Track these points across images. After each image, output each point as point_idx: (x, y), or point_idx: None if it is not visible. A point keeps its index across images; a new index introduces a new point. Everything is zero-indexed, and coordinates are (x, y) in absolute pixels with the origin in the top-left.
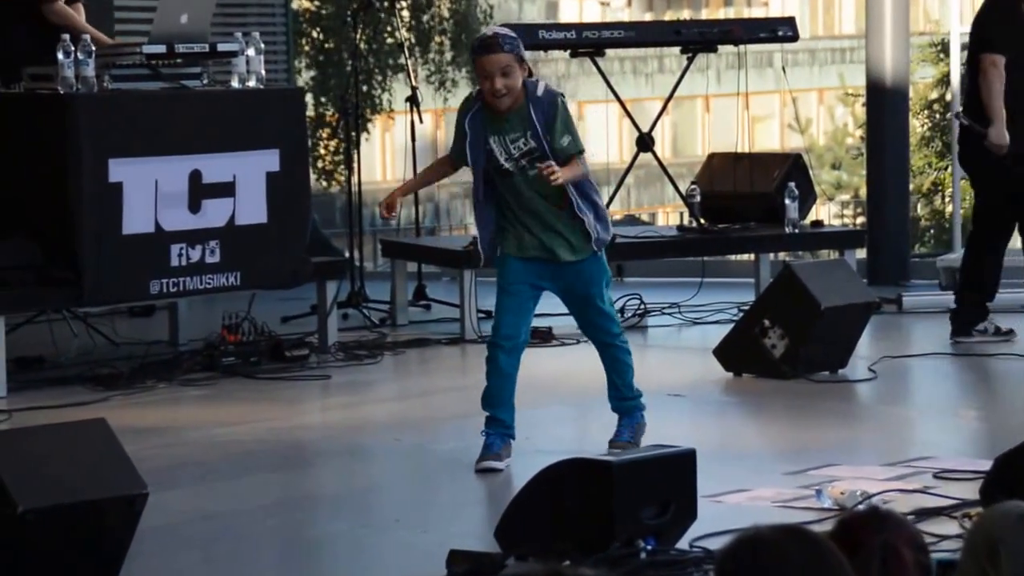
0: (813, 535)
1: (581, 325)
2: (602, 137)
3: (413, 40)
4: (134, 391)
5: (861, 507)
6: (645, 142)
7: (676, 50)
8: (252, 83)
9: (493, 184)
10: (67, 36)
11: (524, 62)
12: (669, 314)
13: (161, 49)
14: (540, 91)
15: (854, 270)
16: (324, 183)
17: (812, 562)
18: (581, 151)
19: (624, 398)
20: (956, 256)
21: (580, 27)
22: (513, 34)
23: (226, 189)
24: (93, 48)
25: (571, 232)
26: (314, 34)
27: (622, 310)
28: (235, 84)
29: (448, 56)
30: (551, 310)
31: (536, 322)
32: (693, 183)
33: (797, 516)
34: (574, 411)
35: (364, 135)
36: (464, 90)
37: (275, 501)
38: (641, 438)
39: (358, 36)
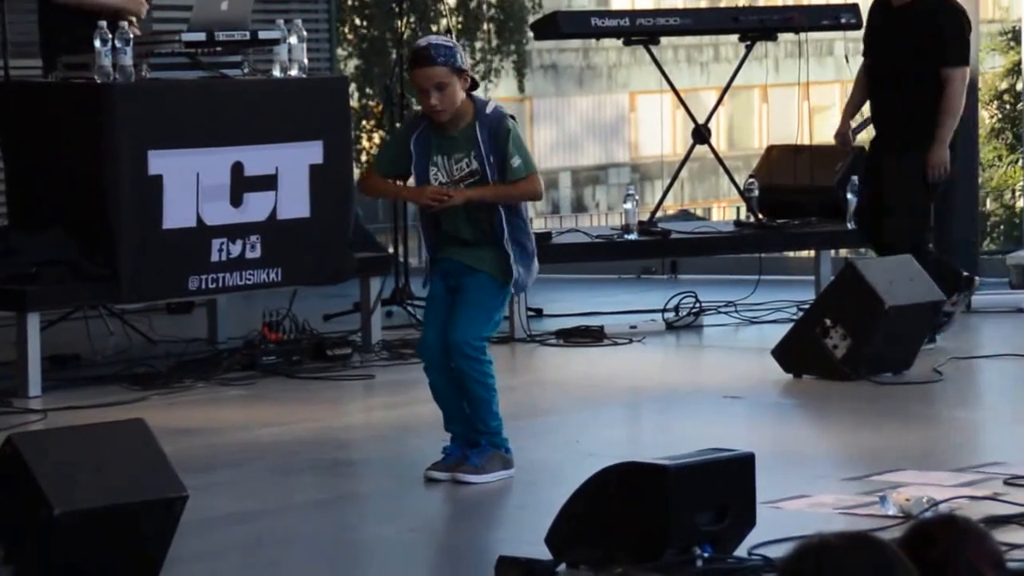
0: (881, 543)
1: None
2: (656, 129)
3: (460, 27)
4: (172, 390)
5: (937, 515)
6: (701, 134)
7: (733, 38)
8: (294, 72)
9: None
10: (103, 23)
11: (464, 73)
12: (725, 313)
13: (201, 37)
14: (489, 109)
15: (920, 267)
16: None
17: (880, 571)
18: (532, 172)
19: (475, 430)
20: None
21: (634, 14)
22: (450, 43)
23: (268, 182)
24: (131, 36)
25: (491, 262)
26: (357, 22)
27: (676, 308)
28: (276, 73)
29: (494, 44)
30: (601, 308)
31: (587, 321)
32: (751, 176)
33: (860, 523)
34: (626, 413)
35: None
36: (509, 80)
37: (318, 504)
38: (496, 468)
39: (403, 24)
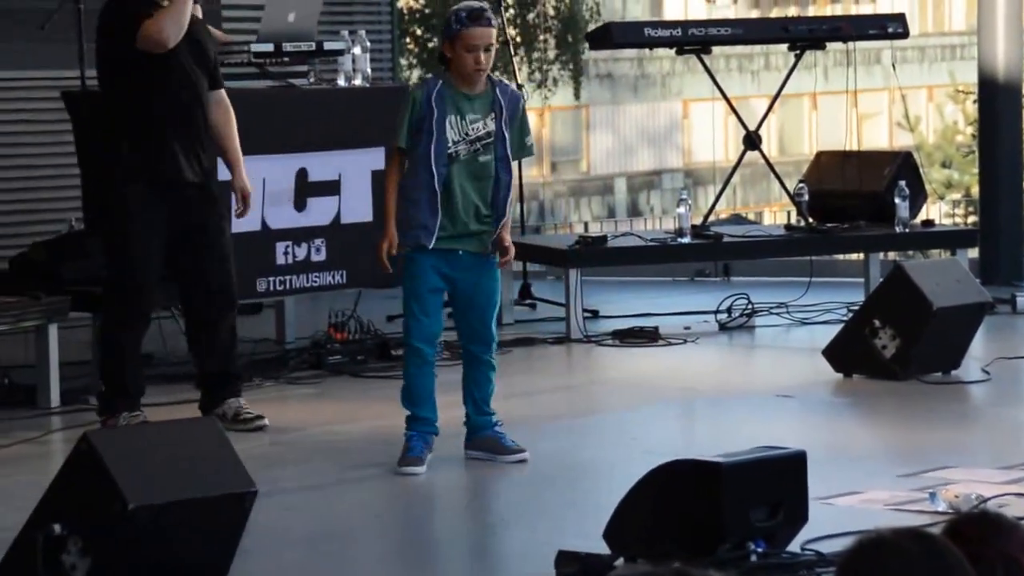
0: (936, 538)
1: (463, 331)
2: (708, 135)
3: (518, 38)
4: (242, 389)
5: (966, 513)
6: (752, 140)
7: (782, 47)
8: (358, 81)
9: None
10: None
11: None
12: (777, 314)
13: (269, 48)
14: (504, 81)
15: (967, 270)
16: None
17: (936, 566)
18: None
19: (483, 413)
20: None
21: (686, 24)
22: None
23: (332, 187)
24: None
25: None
26: (418, 32)
27: (729, 310)
28: (341, 82)
29: (551, 54)
30: (655, 310)
31: (642, 322)
32: (801, 181)
33: (911, 519)
34: (681, 411)
35: None
36: (566, 89)
37: (383, 501)
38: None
39: None
